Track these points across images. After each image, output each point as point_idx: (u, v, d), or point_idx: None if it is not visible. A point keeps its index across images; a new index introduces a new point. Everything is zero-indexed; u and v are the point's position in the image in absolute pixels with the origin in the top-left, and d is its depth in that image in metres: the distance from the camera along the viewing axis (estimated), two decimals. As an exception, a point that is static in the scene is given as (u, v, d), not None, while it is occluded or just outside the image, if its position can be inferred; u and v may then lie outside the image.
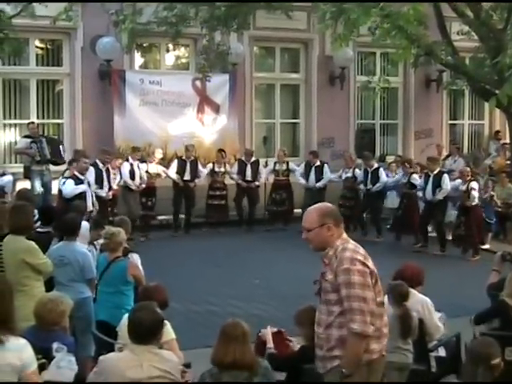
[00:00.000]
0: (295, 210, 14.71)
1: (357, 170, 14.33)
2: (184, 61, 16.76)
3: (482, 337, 5.01)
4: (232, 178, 14.83)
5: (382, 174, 14.01)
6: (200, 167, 14.49)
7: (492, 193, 13.44)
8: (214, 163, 14.72)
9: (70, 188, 11.12)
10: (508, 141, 15.73)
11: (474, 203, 12.35)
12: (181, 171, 14.19)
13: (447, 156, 16.23)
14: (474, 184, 12.42)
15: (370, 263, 4.19)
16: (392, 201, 14.23)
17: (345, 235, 4.30)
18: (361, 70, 17.45)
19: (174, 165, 14.28)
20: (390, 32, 12.18)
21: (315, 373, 4.41)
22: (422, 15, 11.97)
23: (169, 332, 4.98)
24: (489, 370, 4.01)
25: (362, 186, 14.11)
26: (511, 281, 5.66)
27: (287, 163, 15.03)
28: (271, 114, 17.23)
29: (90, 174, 11.93)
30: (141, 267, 6.87)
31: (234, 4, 13.83)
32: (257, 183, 14.86)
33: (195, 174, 14.32)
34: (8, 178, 13.14)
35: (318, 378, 4.39)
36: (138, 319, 4.18)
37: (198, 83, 15.33)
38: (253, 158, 14.95)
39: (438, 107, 18.24)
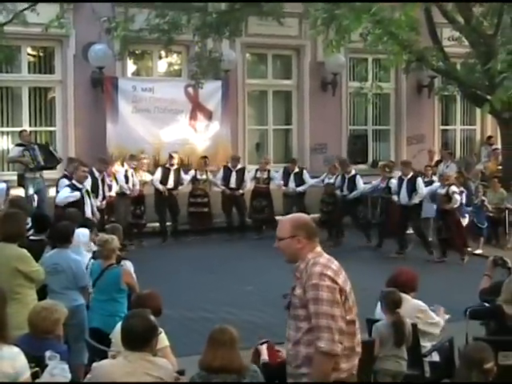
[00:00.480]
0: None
1: (339, 177, 14.14)
2: (176, 68, 16.77)
3: (475, 341, 5.02)
4: (215, 185, 14.71)
5: (359, 181, 13.88)
6: (182, 174, 14.34)
7: (483, 198, 13.49)
8: (195, 170, 14.59)
9: (63, 195, 10.93)
10: (499, 146, 15.79)
11: (455, 206, 12.38)
12: (164, 179, 14.07)
13: (439, 161, 16.24)
14: (453, 188, 12.46)
15: (341, 279, 3.97)
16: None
17: (318, 249, 4.09)
18: (353, 76, 17.46)
19: (158, 173, 14.15)
20: (382, 38, 12.24)
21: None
22: (414, 21, 12.03)
23: (162, 339, 4.98)
24: (482, 374, 4.04)
25: (338, 192, 13.99)
26: (508, 287, 5.64)
27: (268, 171, 14.92)
28: (264, 121, 17.25)
29: (87, 182, 11.83)
30: (134, 274, 6.87)
31: (226, 11, 13.86)
32: (241, 191, 14.65)
33: (178, 181, 14.20)
34: (1, 186, 13.07)
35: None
36: (130, 326, 4.19)
37: (190, 90, 15.34)
38: (239, 165, 14.81)
39: (429, 113, 18.30)
